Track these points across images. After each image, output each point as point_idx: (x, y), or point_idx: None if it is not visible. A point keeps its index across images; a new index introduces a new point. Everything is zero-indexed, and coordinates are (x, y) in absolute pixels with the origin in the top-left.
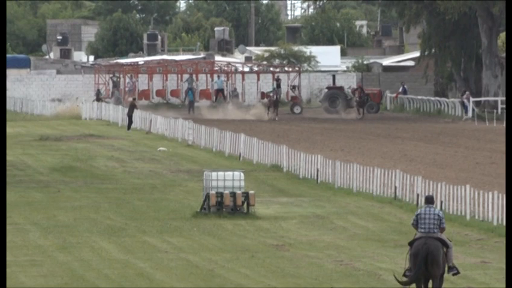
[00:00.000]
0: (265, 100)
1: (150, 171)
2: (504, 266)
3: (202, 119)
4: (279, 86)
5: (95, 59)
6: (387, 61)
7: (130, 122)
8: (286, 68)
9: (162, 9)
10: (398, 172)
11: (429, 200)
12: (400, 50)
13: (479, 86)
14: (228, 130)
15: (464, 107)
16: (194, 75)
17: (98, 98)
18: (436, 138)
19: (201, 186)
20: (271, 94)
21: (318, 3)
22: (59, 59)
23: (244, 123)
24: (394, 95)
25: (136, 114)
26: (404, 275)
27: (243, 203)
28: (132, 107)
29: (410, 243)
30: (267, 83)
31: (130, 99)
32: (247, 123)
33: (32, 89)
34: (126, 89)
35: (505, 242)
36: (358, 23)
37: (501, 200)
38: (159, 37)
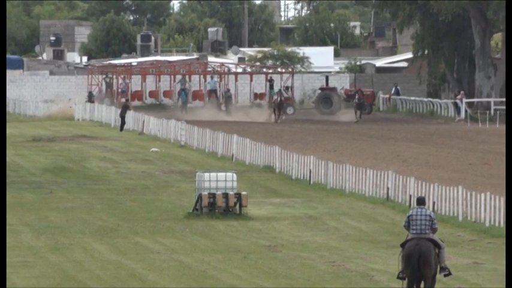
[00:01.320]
0: (258, 101)
1: (142, 172)
2: (496, 267)
3: (200, 120)
4: (271, 87)
5: (88, 59)
6: (380, 62)
7: (123, 123)
8: (279, 69)
9: (155, 10)
10: (390, 173)
11: (421, 201)
12: (393, 51)
13: (472, 87)
14: (220, 131)
15: (457, 108)
16: (187, 76)
17: (91, 100)
18: (429, 139)
19: (194, 187)
20: (275, 96)
21: (311, 3)
22: (52, 60)
23: (237, 124)
24: (387, 96)
25: (129, 115)
26: (398, 277)
27: (235, 203)
28: (125, 108)
29: (403, 245)
30: (259, 84)
31: (123, 100)
32: (240, 124)
33: (24, 89)
34: (119, 90)
35: (497, 242)
36: (351, 24)
37: (493, 201)
38: (153, 38)
